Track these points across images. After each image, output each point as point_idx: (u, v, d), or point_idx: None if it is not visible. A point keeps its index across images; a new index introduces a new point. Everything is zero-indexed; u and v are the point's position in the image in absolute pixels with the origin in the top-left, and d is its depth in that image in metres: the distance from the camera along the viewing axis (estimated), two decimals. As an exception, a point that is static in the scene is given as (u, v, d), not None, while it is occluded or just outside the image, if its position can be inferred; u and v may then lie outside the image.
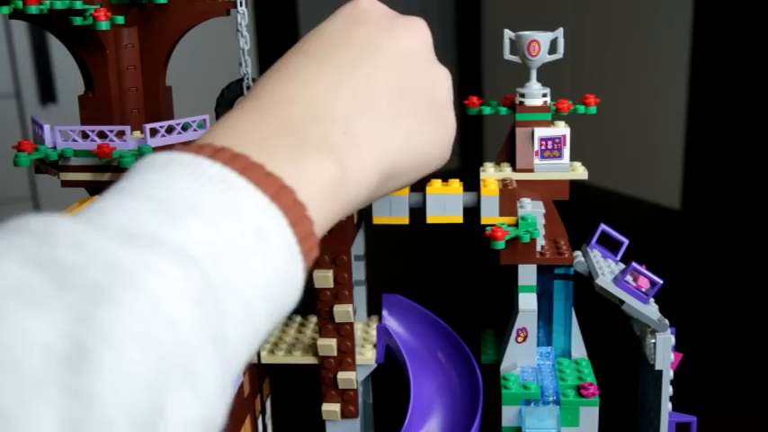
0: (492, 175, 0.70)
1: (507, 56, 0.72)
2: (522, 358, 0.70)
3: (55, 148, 0.67)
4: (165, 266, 0.29)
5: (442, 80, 0.49)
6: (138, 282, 0.28)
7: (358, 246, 0.71)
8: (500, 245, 0.64)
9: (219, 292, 0.32)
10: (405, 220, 0.68)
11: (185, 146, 0.36)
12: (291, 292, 0.36)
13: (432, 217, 0.67)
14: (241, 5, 0.70)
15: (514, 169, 0.71)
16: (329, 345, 0.67)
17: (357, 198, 0.41)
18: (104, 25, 0.64)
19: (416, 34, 0.47)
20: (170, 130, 0.68)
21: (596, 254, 0.69)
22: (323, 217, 0.38)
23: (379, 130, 0.42)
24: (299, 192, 0.36)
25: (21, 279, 0.27)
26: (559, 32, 0.71)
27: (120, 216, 0.32)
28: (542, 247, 0.69)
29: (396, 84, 0.44)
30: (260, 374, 0.72)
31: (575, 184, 0.71)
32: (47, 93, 2.03)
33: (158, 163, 0.35)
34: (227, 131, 0.38)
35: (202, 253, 0.32)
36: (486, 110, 0.73)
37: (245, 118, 0.40)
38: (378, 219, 0.68)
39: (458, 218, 0.67)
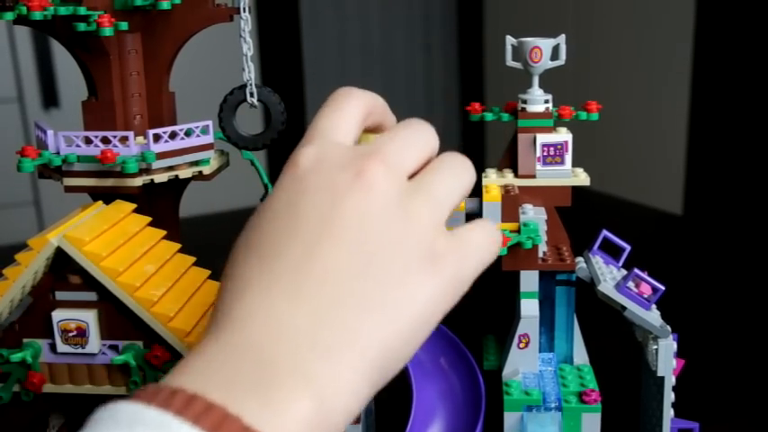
0: (494, 181, 0.70)
1: (509, 62, 0.72)
2: (523, 364, 0.70)
3: (58, 153, 0.67)
4: None
5: (418, 225, 0.40)
6: None
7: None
8: (502, 251, 0.64)
9: None
10: None
11: (155, 389, 0.33)
12: None
13: None
14: (244, 11, 0.70)
15: (516, 175, 0.71)
16: (331, 350, 0.67)
17: (348, 415, 0.36)
18: (108, 31, 0.64)
19: (368, 188, 0.39)
20: (173, 135, 0.68)
21: (598, 260, 0.69)
22: None
23: (353, 322, 0.37)
24: None
25: None
26: (561, 39, 0.71)
27: None
28: (544, 253, 0.69)
29: (358, 257, 0.38)
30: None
31: (577, 190, 0.71)
32: (50, 97, 2.03)
33: (122, 421, 0.31)
34: (196, 373, 0.34)
35: None
36: (489, 116, 0.74)
37: (211, 351, 0.36)
38: None
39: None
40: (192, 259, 0.66)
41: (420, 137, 0.44)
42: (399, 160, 0.41)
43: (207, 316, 0.62)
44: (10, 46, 2.01)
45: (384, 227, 0.39)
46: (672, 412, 0.66)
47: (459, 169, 0.44)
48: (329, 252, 0.38)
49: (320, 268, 0.37)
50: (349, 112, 0.44)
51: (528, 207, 0.69)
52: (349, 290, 0.37)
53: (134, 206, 0.67)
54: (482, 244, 0.43)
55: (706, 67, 1.77)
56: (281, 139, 0.74)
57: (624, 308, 0.64)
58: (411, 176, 0.42)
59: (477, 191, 0.68)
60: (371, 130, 0.48)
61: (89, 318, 0.60)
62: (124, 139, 0.66)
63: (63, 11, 0.65)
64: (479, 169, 0.73)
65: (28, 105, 2.04)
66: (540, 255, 0.68)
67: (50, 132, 0.67)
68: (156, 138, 0.67)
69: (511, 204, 0.67)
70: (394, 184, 0.40)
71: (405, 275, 0.38)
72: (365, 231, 0.38)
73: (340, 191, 0.39)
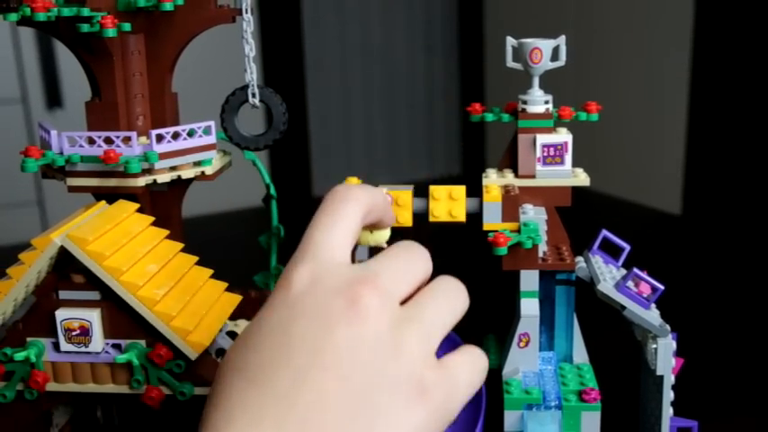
0: (494, 182, 0.70)
1: (510, 63, 0.72)
2: (524, 363, 0.69)
3: (62, 153, 0.67)
4: None
5: (409, 356, 0.39)
6: None
7: (361, 250, 0.72)
8: (502, 251, 0.64)
9: None
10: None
11: None
12: None
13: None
14: (246, 13, 0.70)
15: (517, 175, 0.71)
16: (333, 349, 0.67)
17: None
18: (111, 32, 0.64)
19: (361, 317, 0.38)
20: (176, 136, 0.68)
21: (598, 259, 0.69)
22: None
23: None
24: None
25: None
26: (561, 40, 0.71)
27: None
28: (544, 252, 0.69)
29: (347, 389, 0.37)
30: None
31: (576, 190, 0.71)
32: (53, 98, 2.03)
33: None
34: None
35: None
36: (489, 116, 0.73)
37: None
38: None
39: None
40: (195, 258, 0.66)
41: (415, 262, 0.43)
42: (394, 287, 0.41)
43: (208, 315, 0.62)
44: (14, 47, 2.01)
45: (375, 358, 0.38)
46: (671, 411, 0.66)
47: (452, 296, 0.43)
48: (319, 382, 0.37)
49: (308, 399, 0.37)
50: (345, 218, 0.44)
51: (528, 207, 0.69)
52: (335, 424, 0.36)
53: (137, 206, 0.67)
54: (469, 378, 0.42)
55: (705, 67, 1.77)
56: (283, 139, 0.74)
57: (624, 307, 0.64)
58: (403, 301, 0.41)
59: (477, 191, 0.68)
60: (371, 225, 0.48)
61: (92, 317, 0.60)
62: (127, 140, 0.66)
63: (66, 12, 0.65)
64: (480, 169, 0.73)
65: (32, 106, 2.04)
66: (540, 254, 0.68)
67: (54, 133, 0.67)
68: (159, 138, 0.67)
69: (511, 204, 0.67)
70: (387, 312, 0.39)
71: (392, 409, 0.38)
72: (356, 362, 0.38)
73: (333, 318, 0.38)
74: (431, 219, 0.67)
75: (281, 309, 0.39)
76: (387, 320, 0.39)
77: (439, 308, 0.42)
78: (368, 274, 0.40)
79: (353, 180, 0.71)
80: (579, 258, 0.70)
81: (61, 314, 0.60)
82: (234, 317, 0.65)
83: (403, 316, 0.40)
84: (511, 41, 0.71)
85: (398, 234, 0.68)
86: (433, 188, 0.67)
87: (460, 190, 0.68)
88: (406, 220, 0.67)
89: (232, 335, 0.65)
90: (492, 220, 0.67)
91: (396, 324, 0.39)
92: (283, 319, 0.39)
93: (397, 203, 0.67)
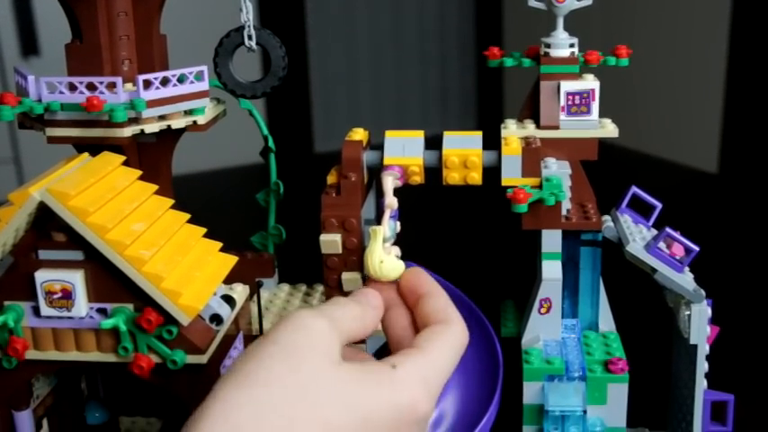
0: (514, 133, 0.70)
1: (531, 2, 0.71)
2: (545, 331, 0.70)
3: (40, 101, 0.67)
4: None
5: None
6: None
7: (368, 209, 0.72)
8: (522, 208, 0.64)
9: None
10: (419, 161, 0.67)
11: None
12: None
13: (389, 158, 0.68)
14: (241, -54, 0.70)
15: (538, 126, 0.71)
16: (337, 315, 0.68)
17: None
18: (93, -33, 0.64)
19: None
20: (165, 81, 0.68)
21: (627, 219, 0.69)
22: None
23: None
24: None
25: None
26: (589, -24, 0.70)
27: None
28: (568, 210, 0.69)
29: None
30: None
31: (604, 144, 0.71)
32: (29, 44, 2.02)
33: None
34: None
35: None
36: (509, 61, 0.73)
37: None
38: (390, 159, 0.68)
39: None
40: (186, 216, 0.67)
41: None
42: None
43: (201, 277, 0.62)
44: (-16, -13, 2.00)
45: None
46: (705, 383, 0.66)
47: None
48: None
49: None
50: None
51: (551, 161, 0.69)
52: None
53: (123, 158, 0.67)
54: None
55: (747, 11, 1.75)
56: (282, 87, 0.74)
57: (654, 270, 0.64)
58: None
59: (495, 143, 0.68)
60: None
61: (75, 278, 0.60)
62: (111, 86, 0.66)
63: (44, -56, 0.64)
64: (497, 120, 0.73)
65: (5, 54, 2.04)
66: (564, 212, 0.68)
67: (31, 78, 0.67)
68: (147, 84, 0.67)
69: (532, 157, 0.67)
70: None
71: None
72: None
73: None
74: (444, 183, 0.68)
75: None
76: None
77: None
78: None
79: (358, 131, 0.71)
80: (606, 217, 0.70)
81: (41, 276, 0.60)
82: (228, 280, 0.65)
83: None
84: (533, -23, 0.71)
85: (409, 193, 0.68)
86: (446, 153, 0.67)
87: (477, 154, 0.67)
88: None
89: (227, 299, 0.65)
90: (511, 175, 0.67)
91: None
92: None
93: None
